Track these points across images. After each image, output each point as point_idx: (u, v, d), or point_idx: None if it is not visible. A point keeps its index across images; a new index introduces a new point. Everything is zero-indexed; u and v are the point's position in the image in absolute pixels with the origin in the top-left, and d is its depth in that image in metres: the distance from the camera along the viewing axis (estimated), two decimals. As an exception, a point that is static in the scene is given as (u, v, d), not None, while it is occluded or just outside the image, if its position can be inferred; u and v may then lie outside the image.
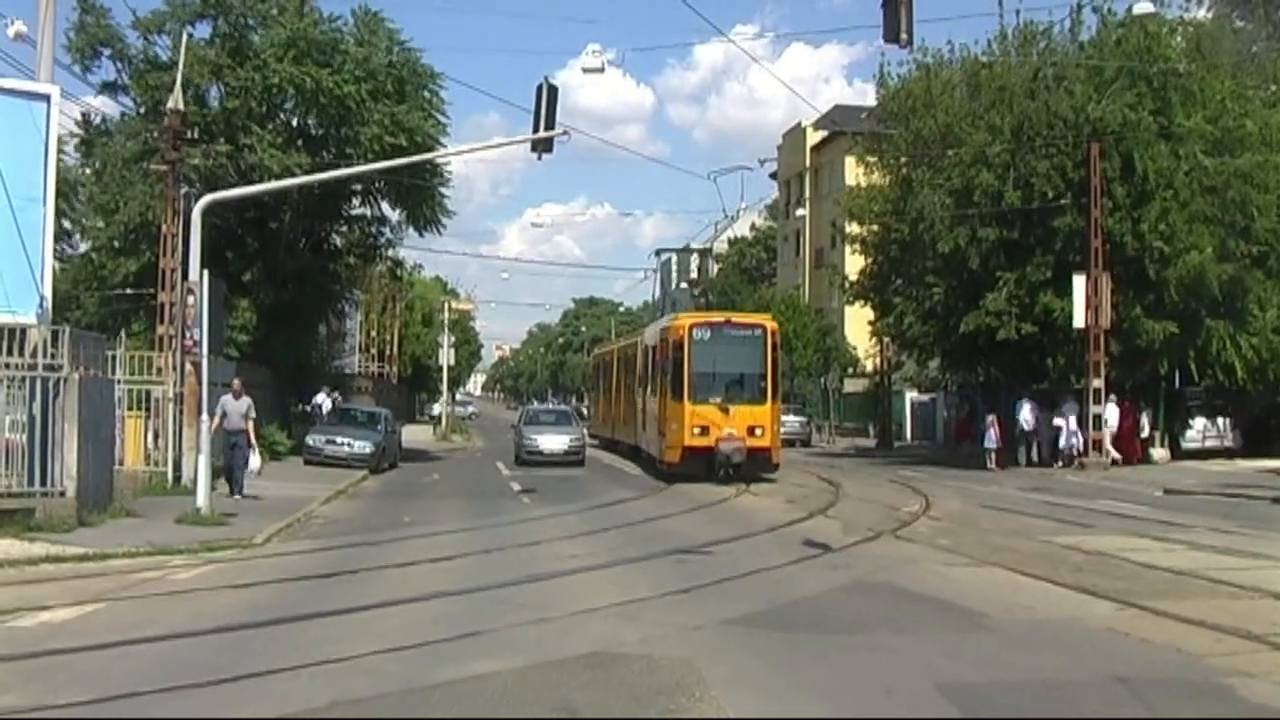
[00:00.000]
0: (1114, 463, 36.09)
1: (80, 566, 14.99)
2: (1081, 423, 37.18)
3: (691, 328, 32.62)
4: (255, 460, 23.96)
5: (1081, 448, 37.11)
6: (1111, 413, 37.11)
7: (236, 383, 24.60)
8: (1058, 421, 37.73)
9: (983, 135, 37.95)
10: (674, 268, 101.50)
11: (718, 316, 36.17)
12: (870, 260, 45.67)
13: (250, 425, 23.75)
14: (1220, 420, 39.64)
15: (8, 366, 18.40)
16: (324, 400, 43.54)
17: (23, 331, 18.79)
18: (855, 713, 8.52)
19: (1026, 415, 38.70)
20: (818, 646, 10.78)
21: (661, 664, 9.66)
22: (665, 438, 33.06)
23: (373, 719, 8.26)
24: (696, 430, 31.10)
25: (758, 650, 10.53)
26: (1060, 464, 36.82)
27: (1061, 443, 37.53)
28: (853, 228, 45.96)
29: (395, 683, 9.04)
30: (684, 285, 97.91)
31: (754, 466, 30.89)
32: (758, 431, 31.09)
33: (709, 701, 8.57)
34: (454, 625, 11.16)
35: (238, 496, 23.35)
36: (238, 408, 23.62)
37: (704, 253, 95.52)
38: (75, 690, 8.63)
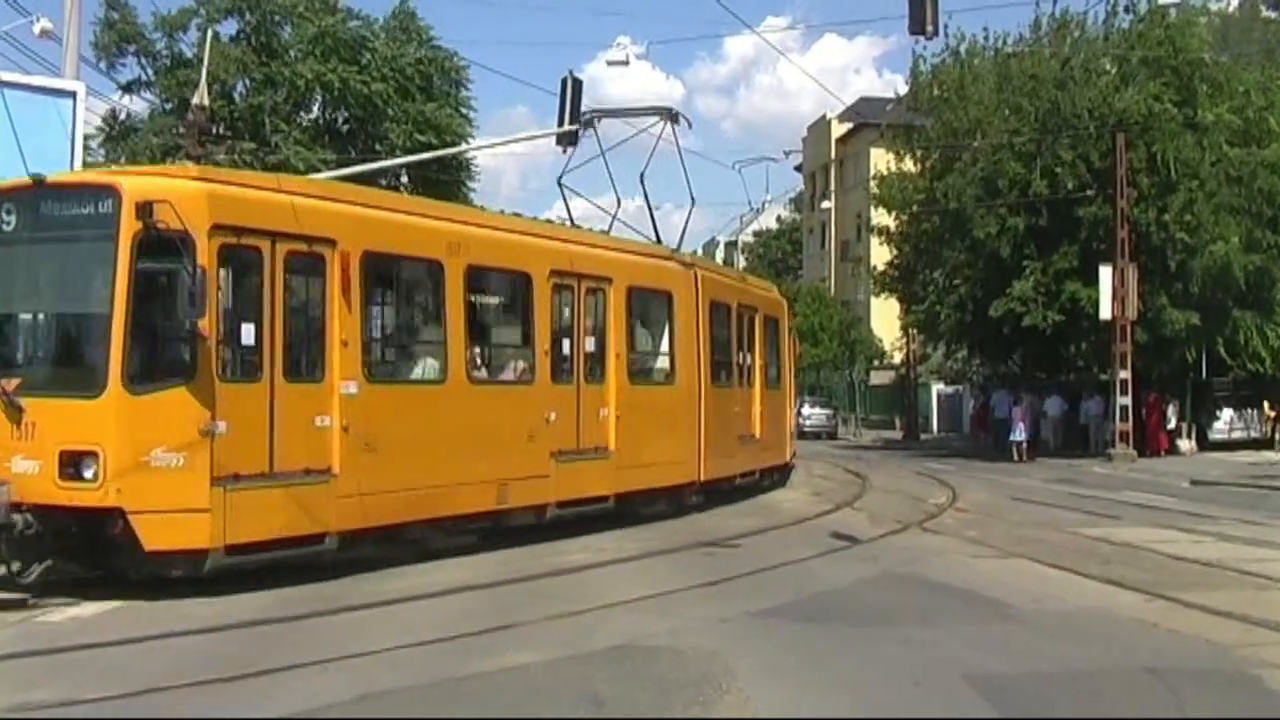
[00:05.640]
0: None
1: (109, 561, 15.01)
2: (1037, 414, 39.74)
3: None
4: None
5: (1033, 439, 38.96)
6: (1053, 404, 39.94)
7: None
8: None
9: (1010, 123, 37.81)
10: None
11: (24, 180, 12.73)
12: (897, 251, 45.49)
13: None
14: (1248, 411, 39.50)
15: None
16: None
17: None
18: (883, 704, 8.50)
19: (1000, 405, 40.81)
20: (845, 638, 10.77)
21: (689, 656, 9.65)
22: None
23: (400, 715, 8.24)
24: None
25: (785, 642, 10.50)
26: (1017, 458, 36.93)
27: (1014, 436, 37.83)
28: (880, 215, 45.77)
29: (422, 675, 9.05)
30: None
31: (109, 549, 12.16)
32: (87, 469, 11.50)
33: (736, 694, 8.57)
34: (480, 618, 11.16)
35: None
36: None
37: (730, 245, 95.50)
38: (104, 685, 8.67)
